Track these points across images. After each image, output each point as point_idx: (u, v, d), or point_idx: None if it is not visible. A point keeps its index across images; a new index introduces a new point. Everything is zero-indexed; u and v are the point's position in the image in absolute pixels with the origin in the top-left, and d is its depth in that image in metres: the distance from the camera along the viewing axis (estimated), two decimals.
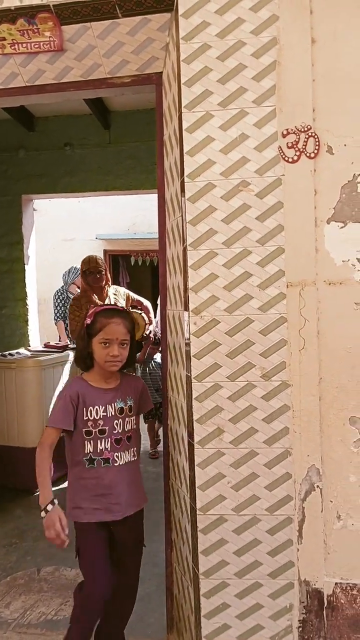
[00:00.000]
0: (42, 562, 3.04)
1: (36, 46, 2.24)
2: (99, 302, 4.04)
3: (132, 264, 9.99)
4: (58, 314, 5.46)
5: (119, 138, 4.84)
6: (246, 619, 1.93)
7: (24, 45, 2.24)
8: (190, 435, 1.97)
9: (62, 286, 5.50)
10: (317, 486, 1.87)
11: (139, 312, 4.41)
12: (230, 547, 1.93)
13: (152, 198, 4.60)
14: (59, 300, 5.45)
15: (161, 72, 2.27)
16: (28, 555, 3.11)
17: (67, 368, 4.53)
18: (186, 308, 1.97)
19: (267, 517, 1.90)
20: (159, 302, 5.27)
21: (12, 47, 2.25)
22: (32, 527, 3.45)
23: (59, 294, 5.45)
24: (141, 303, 4.53)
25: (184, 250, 1.98)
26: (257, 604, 1.92)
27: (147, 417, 4.79)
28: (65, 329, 5.46)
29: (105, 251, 9.54)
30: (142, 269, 10.89)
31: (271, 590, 1.91)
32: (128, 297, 4.37)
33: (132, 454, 2.06)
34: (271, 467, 1.90)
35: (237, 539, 1.92)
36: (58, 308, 5.48)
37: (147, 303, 4.58)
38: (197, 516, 1.95)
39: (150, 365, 4.81)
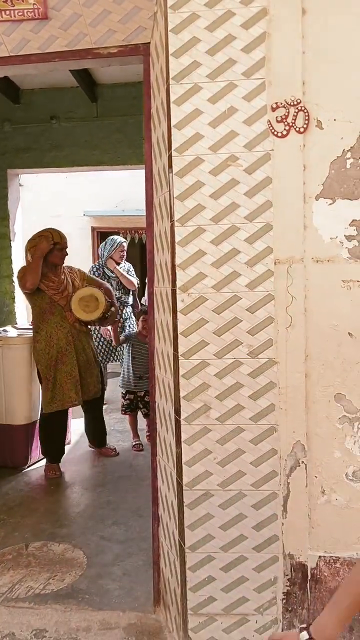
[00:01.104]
0: (30, 537, 3.06)
1: (20, 14, 2.17)
2: (54, 279, 3.86)
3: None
4: None
5: (106, 112, 4.75)
6: (231, 592, 1.96)
7: (7, 12, 2.17)
8: (177, 412, 1.97)
9: (98, 262, 5.00)
10: (302, 462, 1.89)
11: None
12: (216, 522, 1.95)
13: (141, 174, 4.52)
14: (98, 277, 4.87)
15: (149, 43, 2.22)
16: (16, 531, 3.13)
17: None
18: (174, 285, 1.95)
19: (253, 492, 1.93)
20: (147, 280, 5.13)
21: None
22: (20, 504, 3.47)
23: (95, 270, 4.91)
24: (100, 284, 4.19)
25: (172, 226, 1.96)
26: (242, 577, 1.95)
27: (126, 410, 4.51)
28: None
29: (93, 228, 9.46)
30: (131, 247, 10.80)
31: (256, 563, 1.94)
32: (83, 277, 4.13)
33: None
34: (257, 444, 1.91)
35: (222, 513, 1.94)
36: None
37: (107, 286, 4.29)
38: (183, 492, 1.96)
39: (143, 348, 4.33)
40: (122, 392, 4.52)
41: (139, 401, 4.45)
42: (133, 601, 2.45)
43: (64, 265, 4.04)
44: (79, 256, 9.38)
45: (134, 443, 4.49)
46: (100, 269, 4.89)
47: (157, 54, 2.10)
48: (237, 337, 1.90)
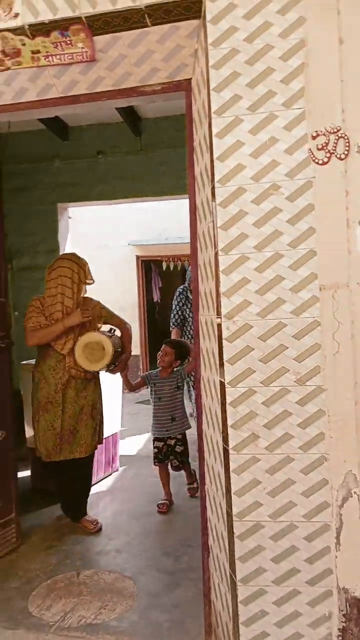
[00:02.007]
0: (81, 565, 3.08)
1: (69, 57, 2.28)
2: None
3: (164, 268, 10.05)
4: (176, 320, 4.80)
5: (149, 145, 4.89)
6: (285, 627, 1.91)
7: (58, 57, 2.29)
8: (225, 440, 1.96)
9: (183, 286, 4.81)
10: (355, 492, 1.84)
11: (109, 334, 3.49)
12: (268, 554, 1.91)
13: (182, 204, 4.62)
14: (178, 303, 4.74)
15: (190, 79, 2.29)
16: (67, 559, 3.16)
17: None
18: (218, 313, 1.97)
19: (304, 524, 1.88)
20: (174, 302, 5.10)
21: (47, 59, 2.30)
22: (71, 530, 3.49)
23: (179, 295, 4.72)
24: (119, 324, 3.67)
25: (216, 255, 1.98)
26: (296, 611, 1.90)
27: (155, 460, 3.87)
28: (182, 336, 4.74)
29: (137, 257, 9.64)
30: (174, 273, 10.93)
31: (310, 597, 1.89)
32: (100, 314, 3.56)
33: None
34: (307, 473, 1.87)
35: (274, 545, 1.91)
36: (176, 311, 4.78)
37: (126, 327, 3.72)
38: (233, 522, 1.94)
39: (167, 385, 3.85)
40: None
41: (169, 451, 3.85)
42: (184, 634, 2.41)
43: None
44: (125, 285, 9.58)
45: (160, 501, 3.80)
46: (184, 292, 4.86)
47: (198, 89, 2.17)
48: (283, 364, 1.89)
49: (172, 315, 4.92)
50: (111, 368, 3.55)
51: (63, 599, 2.74)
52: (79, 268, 3.42)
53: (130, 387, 3.90)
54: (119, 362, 3.58)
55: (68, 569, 3.04)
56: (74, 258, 3.48)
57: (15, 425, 3.32)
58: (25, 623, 2.54)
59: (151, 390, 3.90)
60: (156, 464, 3.85)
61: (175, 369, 3.87)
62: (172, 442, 3.84)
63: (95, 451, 3.62)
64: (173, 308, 4.87)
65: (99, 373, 3.51)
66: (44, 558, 3.17)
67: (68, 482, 3.51)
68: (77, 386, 3.36)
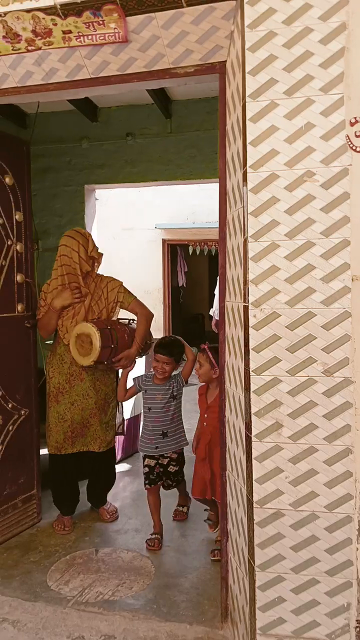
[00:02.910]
0: (99, 543, 3.14)
1: (101, 38, 2.26)
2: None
3: (190, 253, 10.02)
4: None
5: (180, 127, 4.83)
6: (302, 615, 1.92)
7: (89, 37, 2.27)
8: (248, 428, 1.96)
9: None
10: None
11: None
12: (287, 542, 1.92)
13: (211, 187, 4.55)
14: None
15: (225, 61, 2.25)
16: (86, 536, 3.22)
17: None
18: (246, 300, 1.95)
19: (326, 515, 1.88)
20: (216, 292, 5.09)
21: (78, 40, 2.28)
22: (91, 509, 3.55)
23: None
24: (140, 310, 3.28)
25: (245, 241, 1.96)
26: (314, 600, 1.91)
27: (145, 483, 3.19)
28: None
29: (163, 240, 9.63)
30: (200, 259, 10.90)
31: (328, 587, 1.89)
32: (115, 298, 3.26)
33: None
34: (331, 465, 1.87)
35: (294, 534, 1.91)
36: None
37: (146, 316, 3.30)
38: (253, 509, 1.95)
39: (160, 393, 3.20)
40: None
41: (162, 471, 3.18)
42: (200, 615, 2.44)
43: (95, 274, 3.28)
44: (150, 268, 9.58)
45: (149, 536, 3.11)
46: None
47: (233, 72, 2.13)
48: (311, 354, 1.87)
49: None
50: (108, 364, 3.18)
51: (81, 575, 2.80)
52: (78, 244, 3.18)
53: (122, 394, 3.29)
54: (117, 359, 3.15)
55: (87, 546, 3.10)
56: (72, 234, 3.24)
57: (38, 404, 3.37)
58: (44, 596, 2.61)
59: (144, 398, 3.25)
60: (146, 487, 3.17)
61: (174, 376, 3.22)
62: (165, 461, 3.18)
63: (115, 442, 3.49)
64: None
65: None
66: (63, 534, 3.24)
67: (93, 476, 3.43)
68: (89, 378, 3.20)
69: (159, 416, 3.14)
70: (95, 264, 3.30)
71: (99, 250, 3.32)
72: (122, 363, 3.20)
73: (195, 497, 3.10)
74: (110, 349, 3.05)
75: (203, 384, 3.10)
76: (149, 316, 3.32)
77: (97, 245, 3.34)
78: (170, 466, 3.17)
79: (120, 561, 2.93)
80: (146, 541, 3.07)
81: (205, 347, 3.01)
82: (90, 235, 3.32)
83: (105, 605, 2.54)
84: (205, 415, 3.02)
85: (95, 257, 3.26)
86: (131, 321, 3.37)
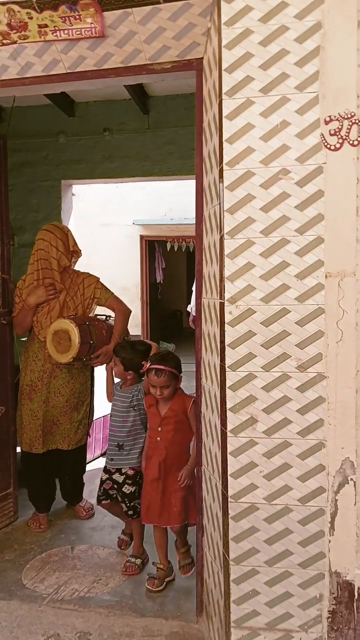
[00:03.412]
0: (75, 540, 3.13)
1: (77, 33, 2.24)
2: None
3: (168, 249, 10.02)
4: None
5: (157, 123, 4.82)
6: (275, 607, 1.94)
7: (66, 32, 2.25)
8: (223, 423, 1.98)
9: None
10: (351, 479, 1.86)
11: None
12: (261, 536, 1.94)
13: (189, 184, 4.55)
14: None
15: (202, 58, 2.25)
16: (62, 533, 3.21)
17: None
18: (222, 297, 1.97)
19: (299, 508, 1.91)
20: (193, 288, 5.11)
21: (54, 34, 2.26)
22: (67, 506, 3.54)
23: None
24: (116, 308, 3.27)
25: (221, 238, 1.97)
26: (287, 592, 1.93)
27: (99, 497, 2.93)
28: None
29: (141, 236, 9.60)
30: (178, 255, 10.90)
31: (301, 579, 1.92)
32: (93, 294, 3.23)
33: None
34: (304, 459, 1.89)
35: (268, 527, 1.93)
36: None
37: (123, 313, 3.27)
38: (228, 503, 1.97)
39: (120, 399, 2.94)
40: None
41: (116, 488, 2.85)
42: (176, 610, 2.46)
43: (71, 269, 3.25)
44: (128, 264, 9.56)
45: (120, 536, 3.06)
46: None
47: (210, 69, 2.13)
48: (285, 350, 1.90)
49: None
50: (86, 361, 3.13)
51: (57, 572, 2.79)
52: (56, 238, 3.15)
53: (110, 391, 3.02)
54: (95, 355, 3.10)
55: (63, 543, 3.09)
56: (50, 228, 3.22)
57: (15, 401, 3.34)
58: (19, 594, 2.59)
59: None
60: (100, 502, 2.92)
61: (136, 384, 2.92)
62: (121, 478, 2.84)
63: (89, 438, 3.48)
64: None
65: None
66: (39, 532, 3.22)
67: (66, 474, 3.39)
68: (62, 376, 3.16)
69: (117, 426, 2.88)
70: (74, 259, 3.27)
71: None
72: (101, 359, 3.15)
73: (145, 522, 2.74)
74: (89, 345, 3.01)
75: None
76: (127, 312, 3.30)
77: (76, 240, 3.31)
78: (126, 485, 2.82)
79: (96, 558, 2.93)
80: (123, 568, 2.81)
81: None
82: (69, 230, 3.30)
83: (81, 602, 2.54)
84: (159, 429, 2.66)
85: (75, 252, 3.24)
86: (108, 317, 3.34)
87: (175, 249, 9.82)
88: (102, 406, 3.72)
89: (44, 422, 3.16)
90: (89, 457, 3.96)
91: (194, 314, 4.37)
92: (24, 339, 3.44)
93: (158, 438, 2.67)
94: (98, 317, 3.30)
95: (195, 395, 2.43)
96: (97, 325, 3.14)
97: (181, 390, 2.75)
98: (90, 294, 3.23)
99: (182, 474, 2.63)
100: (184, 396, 2.72)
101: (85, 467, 3.55)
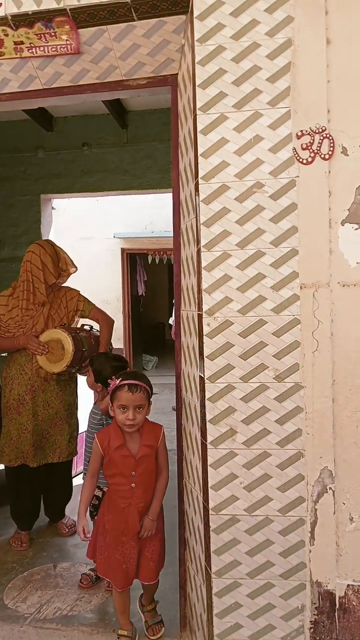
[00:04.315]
0: (58, 558, 3.08)
1: (53, 49, 2.26)
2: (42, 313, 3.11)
3: (150, 262, 10.03)
4: None
5: (136, 138, 4.87)
6: (258, 619, 1.94)
7: (42, 48, 2.27)
8: (203, 435, 1.98)
9: None
10: (330, 488, 1.87)
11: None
12: (243, 547, 1.94)
13: (168, 197, 4.59)
14: None
15: (177, 74, 2.29)
16: (44, 551, 3.16)
17: None
18: (200, 309, 1.98)
19: (280, 518, 1.91)
20: (175, 300, 5.17)
21: (30, 51, 2.28)
22: (49, 523, 3.49)
23: None
24: (102, 318, 3.31)
25: (198, 251, 1.99)
26: (269, 604, 1.93)
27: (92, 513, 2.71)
28: None
29: (122, 249, 9.60)
30: (160, 267, 10.93)
31: (283, 590, 1.92)
32: (76, 307, 3.27)
33: None
34: (284, 469, 1.90)
35: (249, 539, 1.93)
36: None
37: (107, 324, 3.31)
38: (209, 516, 1.96)
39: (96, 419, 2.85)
40: None
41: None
42: None
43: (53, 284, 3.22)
44: (109, 277, 9.54)
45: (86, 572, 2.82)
46: None
47: (184, 84, 2.17)
48: (263, 360, 1.91)
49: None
50: (78, 370, 3.16)
51: (39, 591, 2.74)
52: (46, 254, 3.17)
53: (104, 408, 2.72)
54: (86, 363, 3.06)
55: (45, 561, 3.04)
56: (42, 243, 3.28)
57: None
58: (0, 615, 2.54)
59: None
60: (94, 518, 2.64)
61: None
62: (100, 493, 2.66)
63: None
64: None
65: (75, 374, 3.28)
66: (20, 550, 3.16)
67: (48, 487, 3.33)
68: (50, 388, 3.14)
69: (91, 443, 2.49)
70: (62, 278, 3.27)
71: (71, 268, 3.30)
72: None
73: (120, 589, 2.29)
74: (81, 353, 3.03)
75: (103, 426, 2.59)
76: (111, 322, 3.35)
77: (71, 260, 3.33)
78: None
79: (78, 575, 2.89)
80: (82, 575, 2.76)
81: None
82: (61, 249, 3.32)
83: (64, 620, 2.50)
84: (133, 473, 2.20)
85: (64, 270, 3.25)
86: (91, 328, 3.35)
87: (157, 261, 9.84)
88: (84, 420, 3.69)
89: (34, 436, 3.11)
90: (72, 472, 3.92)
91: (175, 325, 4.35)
92: (4, 354, 3.41)
93: (133, 484, 2.20)
94: (84, 327, 3.31)
95: (159, 424, 2.29)
96: (85, 335, 3.16)
97: (145, 419, 2.27)
98: (74, 307, 3.25)
99: (143, 526, 2.23)
100: (154, 425, 2.30)
101: (72, 482, 3.50)
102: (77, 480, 4.13)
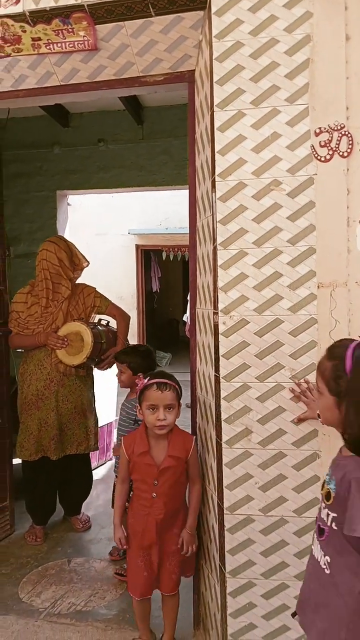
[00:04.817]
0: (72, 553, 3.11)
1: (71, 45, 2.26)
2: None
3: (164, 258, 10.03)
4: None
5: (152, 134, 4.85)
6: (272, 620, 1.93)
7: (59, 44, 2.27)
8: (218, 434, 1.97)
9: None
10: None
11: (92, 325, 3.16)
12: (257, 548, 1.93)
13: (183, 193, 4.57)
14: None
15: (193, 70, 2.27)
16: (59, 546, 3.18)
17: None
18: (215, 307, 1.97)
19: (295, 519, 1.90)
20: (189, 298, 5.15)
21: (47, 47, 2.28)
22: (63, 518, 3.51)
23: None
24: (115, 314, 3.35)
25: (214, 249, 1.98)
26: (284, 604, 1.92)
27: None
28: None
29: (137, 246, 9.62)
30: (174, 264, 10.92)
31: (297, 592, 1.90)
32: (92, 303, 3.30)
33: None
34: (299, 469, 1.89)
35: (264, 539, 1.92)
36: None
37: (123, 319, 3.35)
38: (224, 515, 1.95)
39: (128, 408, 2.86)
40: None
41: None
42: None
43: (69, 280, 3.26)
44: (124, 274, 9.56)
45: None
46: None
47: (201, 81, 2.15)
48: (279, 360, 1.90)
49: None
50: (97, 363, 3.23)
51: (54, 586, 2.76)
52: (61, 249, 3.21)
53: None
54: (105, 356, 3.19)
55: (59, 556, 3.07)
56: (55, 240, 3.31)
57: (11, 413, 3.32)
58: (15, 609, 2.57)
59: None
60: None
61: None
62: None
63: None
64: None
65: (92, 368, 3.32)
66: (35, 545, 3.19)
67: (69, 480, 3.35)
68: (69, 383, 3.17)
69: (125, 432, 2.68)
70: (76, 272, 3.31)
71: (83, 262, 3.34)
72: (110, 360, 3.20)
73: (139, 597, 2.23)
74: (100, 345, 3.09)
75: (130, 431, 2.51)
76: (127, 317, 3.39)
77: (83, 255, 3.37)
78: None
79: (92, 571, 2.91)
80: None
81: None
82: (73, 244, 3.35)
83: (78, 616, 2.51)
84: (156, 482, 2.13)
85: (78, 265, 3.30)
86: (108, 323, 3.37)
87: (171, 258, 9.84)
88: (100, 416, 3.73)
89: (54, 430, 3.13)
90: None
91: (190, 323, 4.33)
92: (19, 350, 3.43)
93: (154, 494, 2.13)
94: (101, 321, 3.35)
95: (193, 434, 2.25)
96: (104, 329, 3.23)
97: (176, 426, 2.21)
98: (91, 303, 3.28)
99: (183, 540, 2.18)
100: (184, 435, 2.20)
101: (92, 477, 3.52)
102: (96, 474, 4.16)
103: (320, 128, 1.83)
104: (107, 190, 5.25)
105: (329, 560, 1.32)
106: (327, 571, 1.32)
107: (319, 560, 1.36)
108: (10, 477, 3.30)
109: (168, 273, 11.88)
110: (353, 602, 1.27)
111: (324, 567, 1.33)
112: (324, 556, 1.34)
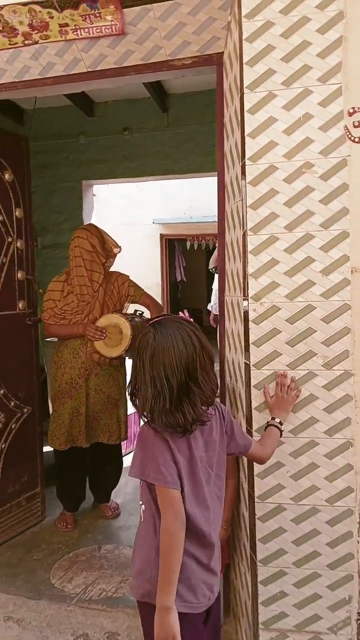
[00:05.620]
0: (102, 540, 3.13)
1: (98, 31, 2.24)
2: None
3: (188, 248, 9.99)
4: None
5: (177, 121, 4.80)
6: (304, 609, 1.91)
7: (86, 30, 2.25)
8: (249, 422, 1.95)
9: None
10: None
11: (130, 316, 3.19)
12: (289, 536, 1.91)
13: (208, 181, 4.52)
14: None
15: (222, 52, 2.23)
16: (89, 533, 3.22)
17: None
18: (245, 294, 1.94)
19: (327, 508, 1.87)
20: (214, 286, 5.05)
21: (75, 33, 2.26)
22: (93, 505, 3.54)
23: None
24: (151, 303, 3.37)
25: (244, 235, 1.95)
26: (315, 594, 1.90)
27: None
28: None
29: (161, 235, 9.60)
30: (198, 253, 10.87)
31: (330, 581, 1.88)
32: (127, 292, 3.30)
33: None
34: (332, 458, 1.86)
35: (295, 528, 1.90)
36: None
37: (157, 307, 3.37)
38: (255, 504, 1.94)
39: None
40: None
41: None
42: None
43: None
44: (148, 263, 9.56)
45: None
46: None
47: (230, 63, 2.11)
48: (311, 347, 1.86)
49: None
50: (133, 355, 3.33)
51: (84, 572, 2.79)
52: (93, 236, 3.21)
53: None
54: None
55: (89, 543, 3.10)
56: (88, 227, 3.33)
57: (40, 401, 3.36)
58: (47, 594, 2.61)
59: None
60: None
61: None
62: None
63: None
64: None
65: (125, 358, 3.31)
66: (66, 531, 3.23)
67: (101, 471, 3.40)
68: (103, 373, 3.19)
69: None
70: (109, 260, 3.31)
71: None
72: None
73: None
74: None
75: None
76: (160, 307, 3.41)
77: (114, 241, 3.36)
78: None
79: (122, 558, 2.93)
80: None
81: None
82: (104, 231, 3.35)
83: (109, 602, 2.54)
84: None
85: (110, 251, 3.29)
86: (142, 313, 3.37)
87: (195, 247, 9.79)
88: (128, 404, 3.72)
89: (87, 419, 3.18)
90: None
91: (215, 312, 4.28)
92: (50, 339, 3.45)
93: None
94: (136, 312, 3.35)
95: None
96: (140, 321, 3.21)
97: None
98: (125, 292, 3.29)
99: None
100: None
101: (121, 465, 3.54)
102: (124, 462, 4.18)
103: (353, 108, 1.78)
104: (133, 180, 5.23)
105: (143, 509, 1.55)
106: (142, 519, 1.54)
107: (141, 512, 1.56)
108: (41, 464, 3.35)
109: (192, 262, 11.85)
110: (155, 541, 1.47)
111: (141, 515, 1.55)
112: (141, 505, 1.55)
